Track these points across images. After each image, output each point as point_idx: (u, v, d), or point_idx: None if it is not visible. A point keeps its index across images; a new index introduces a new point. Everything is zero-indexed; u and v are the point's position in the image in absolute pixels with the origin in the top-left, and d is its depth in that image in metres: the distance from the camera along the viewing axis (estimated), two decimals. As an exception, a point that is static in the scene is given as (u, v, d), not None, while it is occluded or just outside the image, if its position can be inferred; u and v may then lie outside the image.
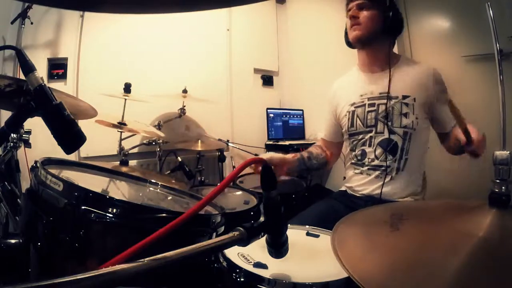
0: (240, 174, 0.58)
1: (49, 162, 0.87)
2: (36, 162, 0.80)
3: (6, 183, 1.51)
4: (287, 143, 2.74)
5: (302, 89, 3.16)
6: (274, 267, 0.72)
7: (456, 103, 0.91)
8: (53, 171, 0.77)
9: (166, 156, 2.14)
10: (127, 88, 1.88)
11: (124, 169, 1.63)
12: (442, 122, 1.24)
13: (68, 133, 0.65)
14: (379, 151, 1.25)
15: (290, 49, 3.29)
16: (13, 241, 0.70)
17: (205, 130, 2.63)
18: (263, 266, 0.73)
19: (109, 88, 1.94)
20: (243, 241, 0.51)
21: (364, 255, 0.54)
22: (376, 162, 1.25)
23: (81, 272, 0.33)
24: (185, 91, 2.29)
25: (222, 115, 2.90)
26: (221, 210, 0.91)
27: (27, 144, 1.44)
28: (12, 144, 1.40)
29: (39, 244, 0.68)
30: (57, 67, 2.17)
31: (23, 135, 1.41)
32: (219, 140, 2.35)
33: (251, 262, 0.75)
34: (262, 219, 0.59)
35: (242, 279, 0.70)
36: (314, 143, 1.55)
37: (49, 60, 2.15)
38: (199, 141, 2.20)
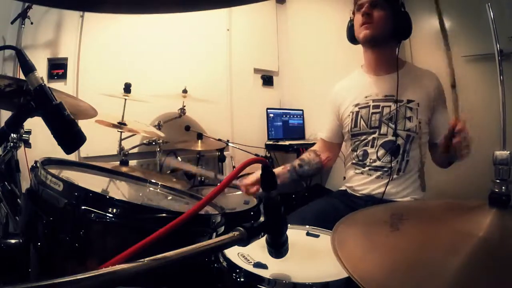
0: (240, 174, 0.57)
1: (49, 162, 0.87)
2: (36, 162, 0.80)
3: (6, 183, 1.51)
4: (287, 143, 2.74)
5: (302, 89, 3.16)
6: (274, 267, 0.72)
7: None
8: (53, 171, 0.77)
9: (166, 156, 2.14)
10: (127, 88, 1.88)
11: (124, 169, 1.63)
12: (436, 131, 1.26)
13: (68, 133, 0.65)
14: (381, 152, 1.25)
15: (290, 49, 3.29)
16: (13, 241, 0.70)
17: (205, 130, 2.63)
18: (263, 266, 0.73)
19: (109, 88, 1.94)
20: (243, 241, 0.51)
21: (364, 255, 0.54)
22: (378, 163, 1.26)
23: (81, 272, 0.33)
24: (185, 91, 2.29)
25: (222, 115, 2.90)
26: (221, 210, 0.91)
27: (27, 144, 1.44)
28: (12, 144, 1.40)
29: (39, 244, 0.68)
30: (57, 67, 2.17)
31: (23, 135, 1.41)
32: (219, 140, 2.35)
33: (251, 262, 0.75)
34: (262, 219, 0.59)
35: (242, 279, 0.70)
36: (314, 143, 1.55)
37: (49, 60, 2.15)
38: (199, 141, 2.20)
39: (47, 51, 2.14)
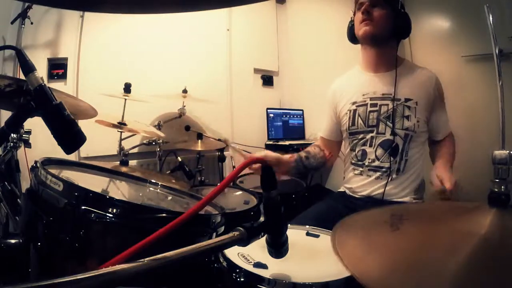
0: (240, 174, 0.58)
1: (49, 162, 0.87)
2: (36, 162, 0.80)
3: (6, 183, 1.51)
4: (287, 143, 2.74)
5: (302, 89, 3.16)
6: (274, 267, 0.72)
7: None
8: (53, 171, 0.77)
9: (166, 156, 2.14)
10: (127, 88, 1.88)
11: (124, 169, 1.63)
12: (435, 129, 1.27)
13: (68, 133, 0.65)
14: (379, 151, 1.25)
15: (290, 49, 3.29)
16: (13, 241, 0.70)
17: (205, 130, 2.63)
18: (263, 266, 0.73)
19: (109, 88, 1.94)
20: (243, 241, 0.51)
21: (364, 255, 0.54)
22: (376, 163, 1.25)
23: (81, 272, 0.33)
24: (185, 91, 2.29)
25: (222, 115, 2.90)
26: (221, 210, 0.91)
27: (27, 144, 1.44)
28: (12, 144, 1.40)
29: (39, 244, 0.68)
30: (57, 67, 2.17)
31: (23, 135, 1.41)
32: (219, 140, 2.35)
33: (251, 262, 0.75)
34: (262, 219, 0.59)
35: (242, 279, 0.70)
36: (314, 143, 1.55)
37: (49, 60, 2.15)
38: (199, 141, 2.20)
39: (47, 51, 2.14)
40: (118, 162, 1.76)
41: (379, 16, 1.22)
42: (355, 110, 1.31)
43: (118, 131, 1.87)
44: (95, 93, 1.82)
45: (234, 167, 2.65)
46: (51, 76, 2.15)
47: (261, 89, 3.26)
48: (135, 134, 2.05)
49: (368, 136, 1.28)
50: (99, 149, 2.14)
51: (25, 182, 1.77)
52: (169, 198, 1.09)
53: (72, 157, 1.85)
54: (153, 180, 1.12)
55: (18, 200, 1.51)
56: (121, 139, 1.96)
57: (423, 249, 0.52)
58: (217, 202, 0.95)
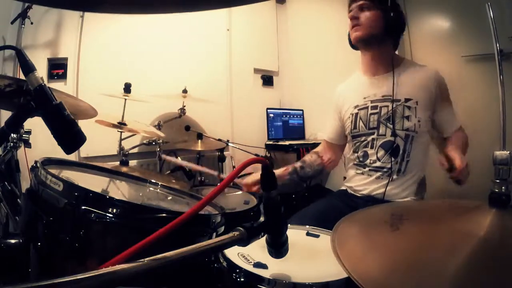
0: (240, 174, 0.58)
1: (49, 162, 0.87)
2: (36, 162, 0.80)
3: (6, 183, 1.51)
4: (287, 143, 2.74)
5: (302, 89, 3.16)
6: (274, 267, 0.72)
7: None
8: (53, 171, 0.77)
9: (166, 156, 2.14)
10: (127, 88, 1.88)
11: (124, 169, 1.63)
12: (442, 126, 1.25)
13: (68, 133, 0.65)
14: (381, 153, 1.25)
15: (290, 49, 3.29)
16: (13, 241, 0.70)
17: (205, 130, 2.63)
18: (263, 266, 0.73)
19: (109, 88, 1.94)
20: (243, 241, 0.51)
21: (364, 255, 0.54)
22: (378, 163, 1.26)
23: (81, 272, 0.33)
24: (185, 91, 2.29)
25: (222, 115, 2.90)
26: (221, 210, 0.91)
27: (27, 144, 1.44)
28: (12, 144, 1.40)
29: (39, 244, 0.68)
30: (57, 67, 2.17)
31: (23, 135, 1.41)
32: (219, 140, 2.34)
33: (251, 262, 0.75)
34: (262, 219, 0.59)
35: (242, 279, 0.70)
36: (314, 143, 1.55)
37: (49, 60, 2.15)
38: (199, 141, 2.20)
39: (47, 51, 2.14)
40: (118, 162, 1.76)
41: (367, 20, 1.23)
42: (356, 114, 1.32)
43: (118, 131, 1.87)
44: (95, 93, 1.82)
45: (234, 167, 2.65)
46: (51, 76, 2.15)
47: (261, 89, 3.26)
48: (135, 134, 2.05)
49: (370, 138, 1.28)
50: (99, 149, 2.14)
51: (25, 182, 1.77)
52: (169, 198, 1.09)
53: (72, 157, 1.85)
54: (153, 180, 1.12)
55: (18, 200, 1.51)
56: (121, 139, 1.96)
57: (423, 249, 0.52)
58: (217, 202, 0.95)
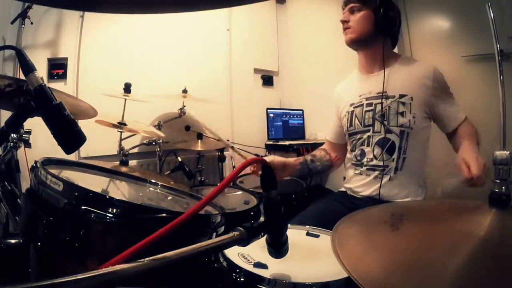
0: (240, 174, 0.57)
1: (49, 162, 0.87)
2: (36, 162, 0.80)
3: (6, 183, 1.51)
4: (287, 143, 2.73)
5: (302, 89, 3.16)
6: (274, 267, 0.72)
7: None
8: (53, 171, 0.77)
9: (166, 156, 2.14)
10: (127, 88, 1.88)
11: (124, 169, 1.63)
12: (443, 121, 1.23)
13: (68, 133, 0.65)
14: (377, 150, 1.25)
15: (290, 49, 3.29)
16: (13, 241, 0.70)
17: (205, 130, 2.63)
18: (263, 266, 0.73)
19: (109, 88, 1.94)
20: (243, 241, 0.51)
21: (364, 255, 0.54)
22: (374, 162, 1.25)
23: (81, 272, 0.33)
24: (185, 91, 2.29)
25: (222, 115, 2.90)
26: (221, 210, 0.91)
27: (27, 144, 1.44)
28: (12, 144, 1.40)
29: (39, 244, 0.68)
30: (57, 67, 2.17)
31: (23, 135, 1.41)
32: (219, 140, 2.34)
33: (251, 262, 0.75)
34: (262, 219, 0.59)
35: (242, 279, 0.70)
36: (314, 143, 1.55)
37: (49, 60, 2.15)
38: (199, 141, 2.20)
39: (47, 51, 2.14)
40: (118, 162, 1.76)
41: (355, 22, 1.25)
42: (352, 112, 1.32)
43: (118, 131, 1.87)
44: (95, 93, 1.82)
45: (234, 167, 2.65)
46: (51, 76, 2.15)
47: (261, 89, 3.26)
48: (135, 134, 2.05)
49: (365, 135, 1.28)
50: (99, 149, 2.14)
51: (25, 182, 1.77)
52: (169, 198, 1.09)
53: (72, 157, 1.85)
54: (153, 180, 1.12)
55: (18, 200, 1.51)
56: (121, 139, 1.96)
57: (423, 249, 0.52)
58: (217, 202, 0.95)
